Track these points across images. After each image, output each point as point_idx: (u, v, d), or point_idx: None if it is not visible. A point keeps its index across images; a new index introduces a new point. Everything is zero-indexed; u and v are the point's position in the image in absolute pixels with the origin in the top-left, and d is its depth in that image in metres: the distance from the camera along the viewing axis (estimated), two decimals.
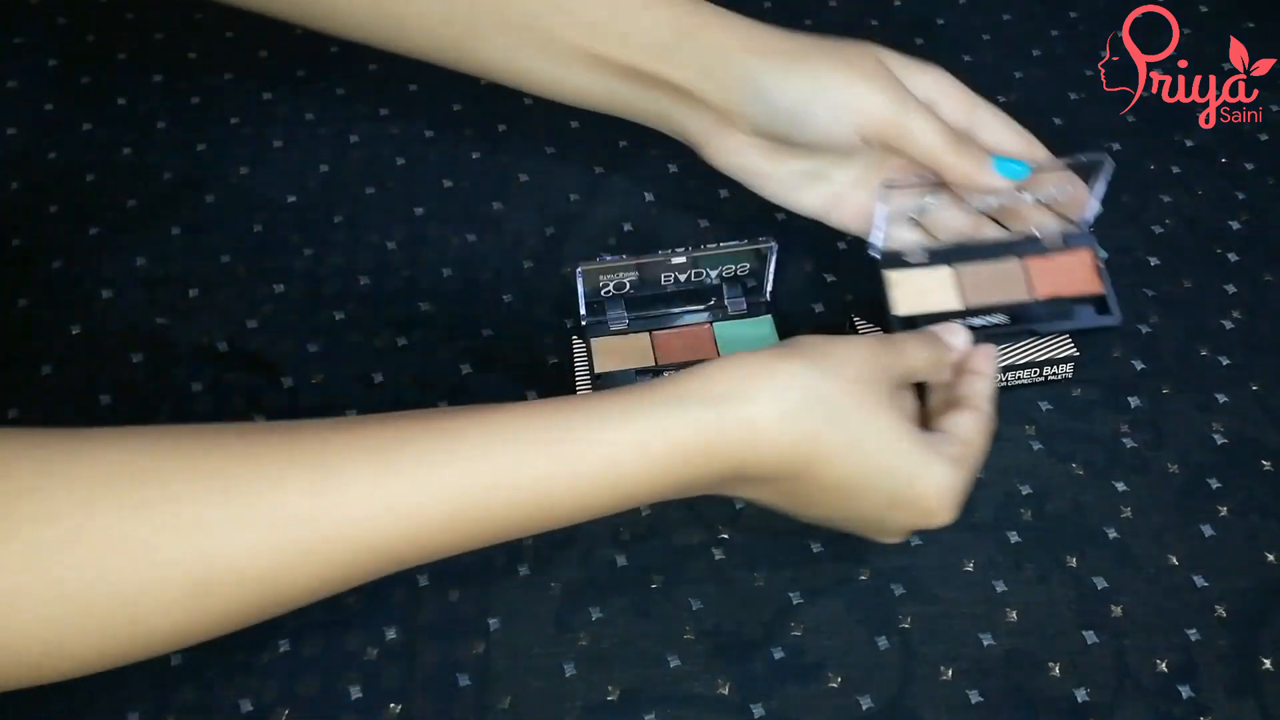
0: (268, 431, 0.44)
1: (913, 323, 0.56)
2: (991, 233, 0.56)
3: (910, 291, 0.57)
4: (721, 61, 0.53)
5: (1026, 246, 0.58)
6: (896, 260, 0.58)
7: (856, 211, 0.57)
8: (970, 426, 0.50)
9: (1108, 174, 0.56)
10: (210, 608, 0.41)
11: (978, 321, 0.55)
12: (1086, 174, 0.57)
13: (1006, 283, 0.57)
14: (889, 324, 0.57)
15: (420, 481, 0.42)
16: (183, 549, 0.40)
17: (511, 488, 0.43)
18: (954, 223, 0.57)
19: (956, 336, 0.53)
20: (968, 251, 0.57)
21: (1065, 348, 0.60)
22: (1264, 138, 0.72)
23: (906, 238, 0.57)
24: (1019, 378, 0.60)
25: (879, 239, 0.57)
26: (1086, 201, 0.56)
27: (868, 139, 0.54)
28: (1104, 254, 0.57)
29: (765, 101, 0.53)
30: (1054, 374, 0.60)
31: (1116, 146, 0.72)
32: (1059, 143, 0.72)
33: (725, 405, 0.45)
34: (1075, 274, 0.57)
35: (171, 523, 0.40)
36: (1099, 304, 0.57)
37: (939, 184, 0.56)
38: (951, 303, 0.57)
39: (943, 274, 0.58)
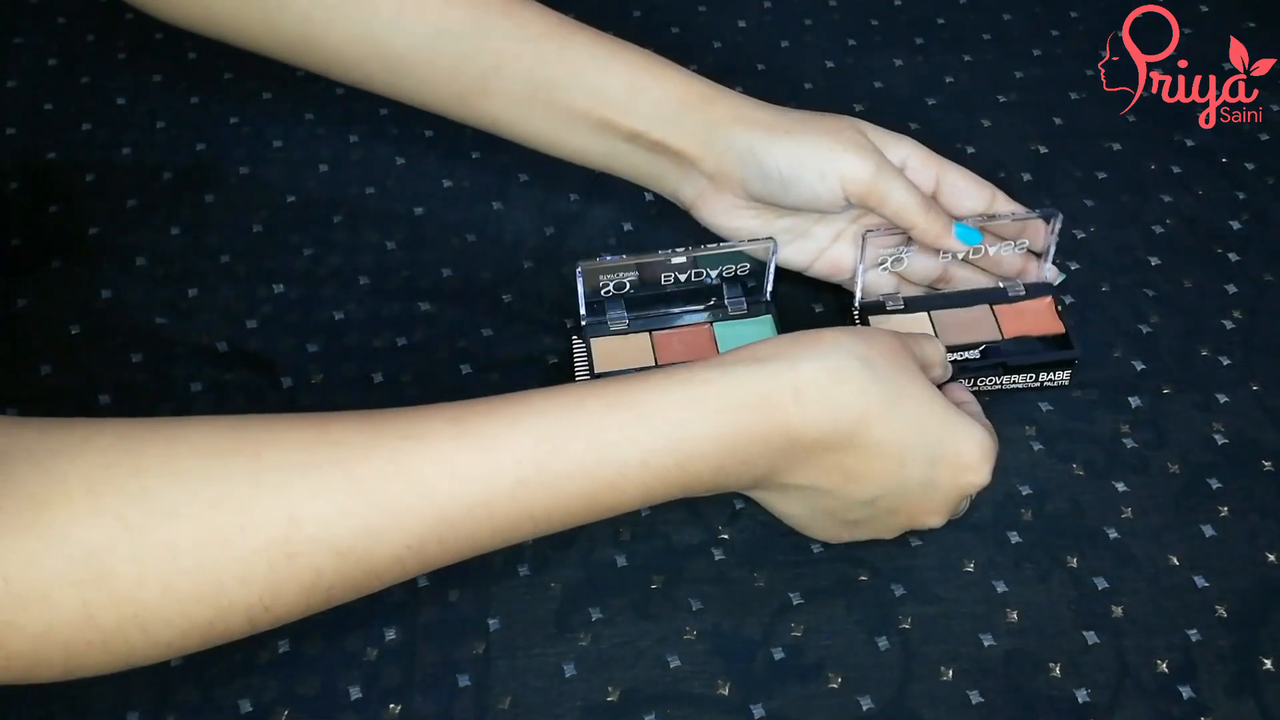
0: (352, 413, 0.46)
1: None
2: (959, 274, 0.62)
3: None
4: (720, 132, 0.58)
5: (994, 295, 0.62)
6: (878, 307, 0.62)
7: (836, 263, 0.62)
8: (972, 410, 0.55)
9: (1057, 226, 0.60)
10: (292, 577, 0.42)
11: (953, 356, 0.59)
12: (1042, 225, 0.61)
13: (977, 326, 0.61)
14: None
15: (489, 450, 0.45)
16: (267, 512, 0.41)
17: (579, 456, 0.45)
18: (925, 268, 0.62)
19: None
20: (941, 300, 0.62)
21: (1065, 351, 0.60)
22: (1264, 138, 0.72)
23: (885, 283, 0.62)
24: (1014, 381, 0.60)
25: (860, 285, 0.62)
26: (1044, 245, 0.61)
27: (850, 200, 0.58)
28: (1062, 276, 0.63)
29: (758, 168, 0.57)
30: (1050, 380, 0.60)
31: (1116, 146, 0.72)
32: (1058, 144, 0.72)
33: (774, 364, 0.48)
34: (1038, 317, 0.62)
35: (256, 486, 0.42)
36: (1061, 340, 0.61)
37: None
38: None
39: (921, 318, 0.62)
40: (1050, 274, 0.62)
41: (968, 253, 0.61)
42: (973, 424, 0.51)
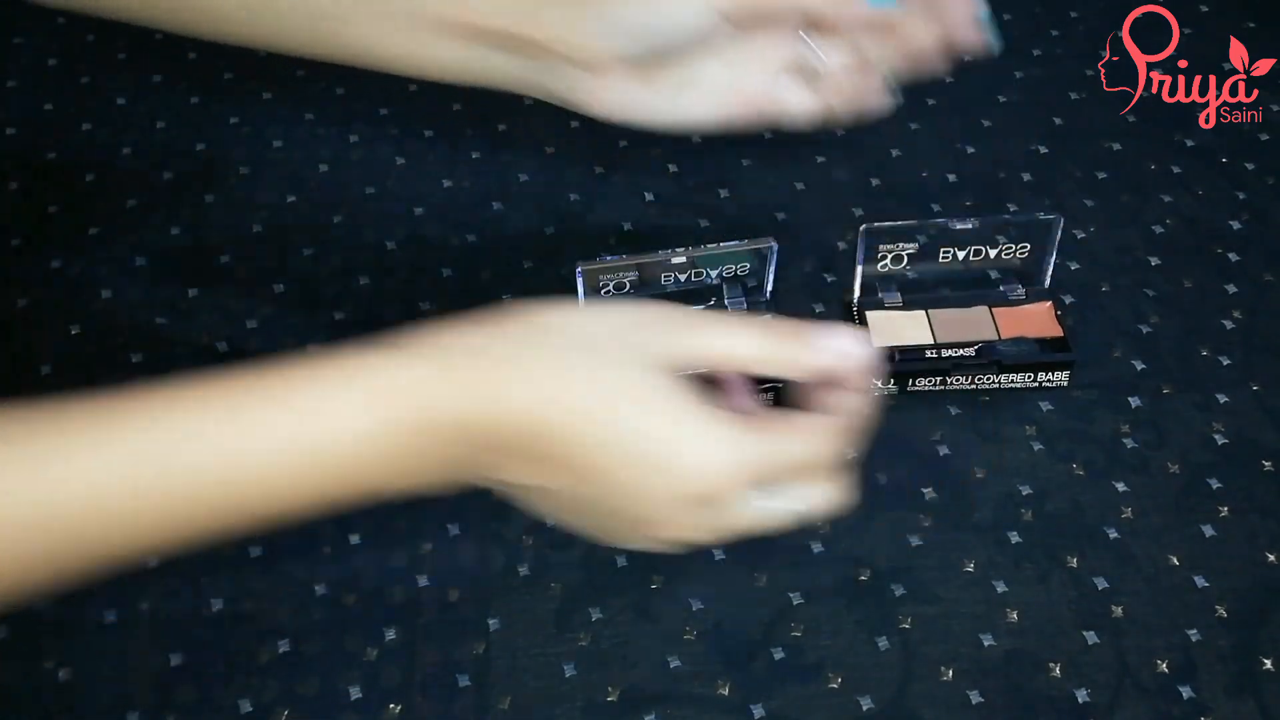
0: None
1: (890, 353, 0.60)
2: (878, 70, 0.55)
3: (888, 329, 0.61)
4: (576, 11, 0.54)
5: (993, 297, 0.62)
6: (875, 303, 0.62)
7: (747, 98, 0.56)
8: (813, 425, 0.45)
9: (1058, 231, 0.60)
10: None
11: (949, 352, 0.60)
12: (1043, 232, 0.61)
13: (975, 325, 0.61)
14: None
15: (96, 453, 0.40)
16: None
17: (193, 465, 0.41)
18: (842, 73, 0.55)
19: (852, 344, 0.45)
20: (940, 301, 0.62)
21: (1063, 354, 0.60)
22: (1264, 138, 0.72)
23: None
24: (1012, 380, 0.60)
25: (858, 282, 0.61)
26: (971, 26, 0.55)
27: (723, 10, 0.53)
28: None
29: (614, 24, 0.54)
30: (1050, 380, 0.60)
31: (1116, 146, 0.72)
32: (1058, 144, 0.72)
33: (426, 350, 0.42)
34: (1037, 320, 0.62)
35: None
36: (1059, 343, 0.61)
37: (918, 226, 0.59)
38: (925, 339, 0.61)
39: (918, 315, 0.62)
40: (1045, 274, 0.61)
41: (968, 253, 0.61)
42: (711, 435, 0.42)
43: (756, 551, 0.56)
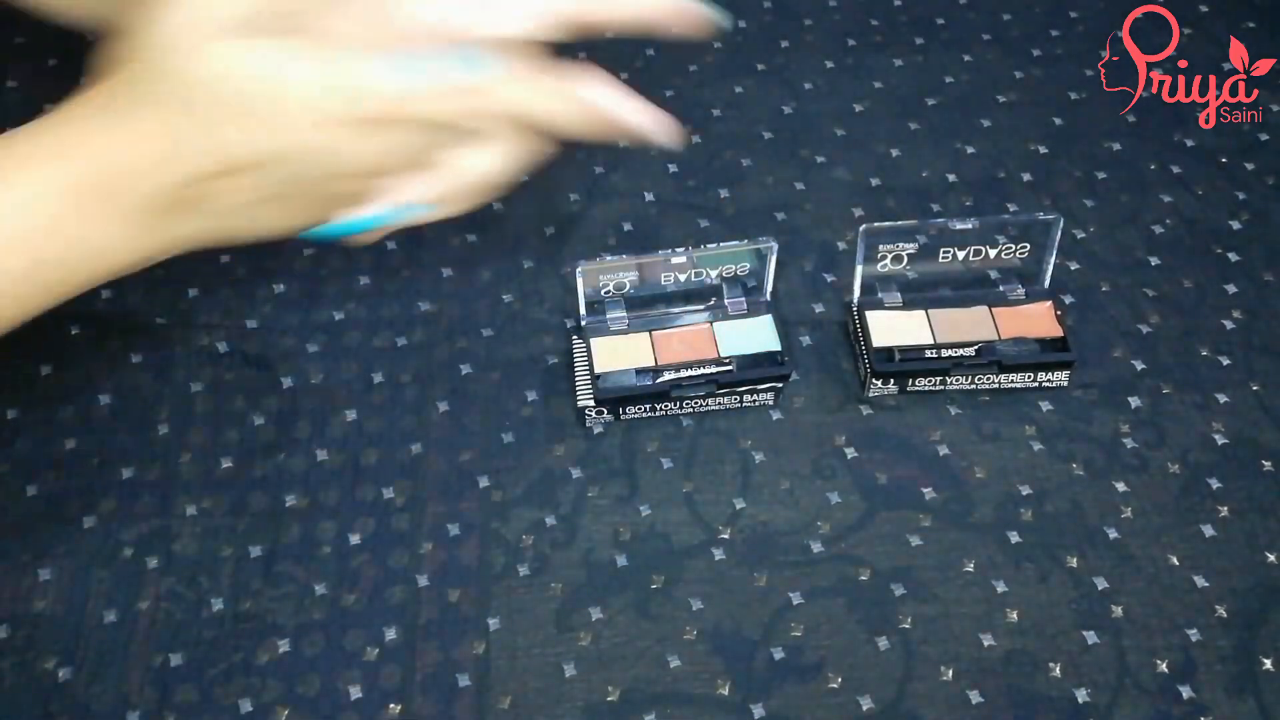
0: None
1: (890, 353, 0.60)
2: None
3: (888, 328, 0.61)
4: None
5: (993, 298, 0.62)
6: (875, 303, 0.62)
7: None
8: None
9: (1058, 231, 0.60)
10: None
11: (949, 352, 0.60)
12: (1042, 232, 0.61)
13: (975, 325, 0.61)
14: (870, 355, 0.60)
15: None
16: None
17: None
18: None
19: (593, 87, 0.45)
20: (940, 301, 0.62)
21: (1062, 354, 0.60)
22: (1264, 138, 0.72)
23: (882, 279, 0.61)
24: (1011, 380, 0.60)
25: (857, 281, 0.61)
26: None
27: None
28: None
29: None
30: (1049, 380, 0.60)
31: (1116, 146, 0.72)
32: (1058, 144, 0.72)
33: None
34: (1037, 320, 0.62)
35: None
36: (1059, 343, 0.61)
37: (918, 226, 0.60)
38: (925, 338, 0.61)
39: (918, 315, 0.62)
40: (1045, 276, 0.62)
41: (968, 253, 0.61)
42: (284, 51, 0.42)
43: (756, 551, 0.56)
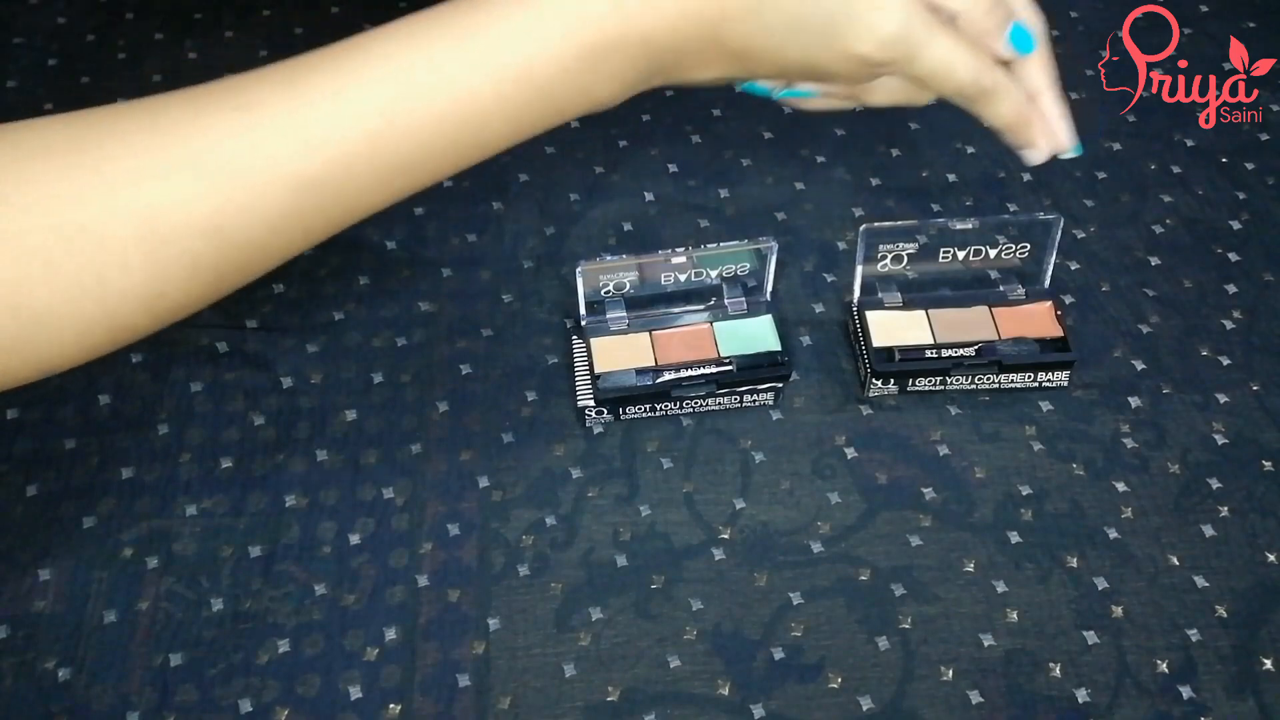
0: (184, 91, 0.45)
1: (890, 353, 0.60)
2: None
3: (888, 328, 0.61)
4: None
5: (993, 298, 0.62)
6: (875, 303, 0.62)
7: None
8: None
9: (1058, 231, 0.60)
10: (172, 262, 0.42)
11: (949, 352, 0.60)
12: (1042, 232, 0.61)
13: (975, 325, 0.61)
14: (870, 355, 0.60)
15: (331, 107, 0.43)
16: (126, 203, 0.41)
17: (428, 96, 0.44)
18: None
19: None
20: (940, 301, 0.62)
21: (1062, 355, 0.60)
22: (1264, 138, 0.72)
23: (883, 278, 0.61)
24: (1012, 380, 0.60)
25: (857, 281, 0.62)
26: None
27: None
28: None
29: None
30: (1049, 380, 0.60)
31: (1116, 146, 0.72)
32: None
33: None
34: (1037, 320, 0.62)
35: (109, 180, 0.41)
36: (1059, 343, 0.61)
37: (918, 226, 0.60)
38: (925, 338, 0.61)
39: (918, 315, 0.62)
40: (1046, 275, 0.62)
41: (968, 253, 0.61)
42: None
43: (756, 551, 0.56)
